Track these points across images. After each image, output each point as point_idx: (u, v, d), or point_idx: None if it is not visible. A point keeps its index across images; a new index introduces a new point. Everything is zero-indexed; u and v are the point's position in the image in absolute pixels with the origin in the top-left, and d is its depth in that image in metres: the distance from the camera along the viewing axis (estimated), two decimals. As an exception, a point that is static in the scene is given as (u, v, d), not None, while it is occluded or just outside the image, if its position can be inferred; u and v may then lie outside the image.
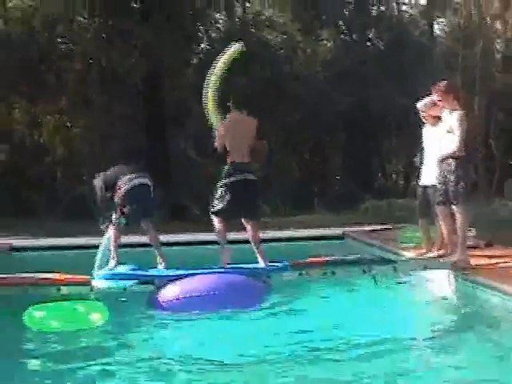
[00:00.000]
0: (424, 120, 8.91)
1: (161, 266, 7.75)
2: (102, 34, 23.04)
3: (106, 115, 22.50)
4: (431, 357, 5.17)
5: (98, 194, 7.75)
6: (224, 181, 7.56)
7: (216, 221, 7.66)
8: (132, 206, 7.58)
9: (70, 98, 23.73)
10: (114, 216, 7.66)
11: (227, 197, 7.48)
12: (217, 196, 7.58)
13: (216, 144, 7.72)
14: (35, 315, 6.13)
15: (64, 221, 18.25)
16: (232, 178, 7.52)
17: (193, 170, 24.66)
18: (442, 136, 8.11)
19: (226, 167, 7.61)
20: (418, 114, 8.95)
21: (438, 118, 8.40)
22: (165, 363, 5.00)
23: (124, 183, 7.55)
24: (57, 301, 6.48)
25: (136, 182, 7.59)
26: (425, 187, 8.83)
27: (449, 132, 7.94)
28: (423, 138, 8.96)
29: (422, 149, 9.01)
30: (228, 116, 7.76)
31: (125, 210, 7.57)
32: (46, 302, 6.35)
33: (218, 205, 7.55)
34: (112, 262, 7.65)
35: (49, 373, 4.88)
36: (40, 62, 22.33)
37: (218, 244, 7.78)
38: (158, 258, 7.83)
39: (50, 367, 5.05)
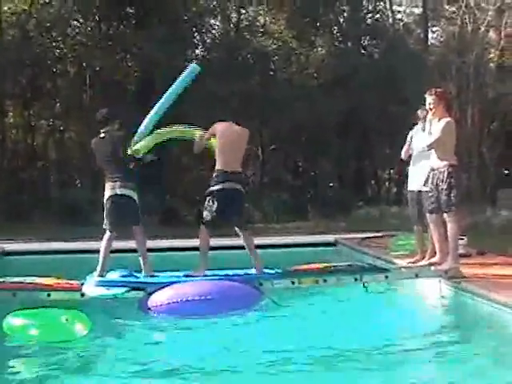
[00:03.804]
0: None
1: (144, 272, 7.57)
2: (96, 38, 23.03)
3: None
4: (419, 367, 5.17)
5: None
6: (211, 189, 7.43)
7: (202, 228, 7.51)
8: (109, 216, 7.52)
9: (64, 103, 23.77)
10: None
11: (214, 206, 7.38)
12: (205, 205, 7.46)
13: (195, 146, 7.77)
14: (13, 322, 6.00)
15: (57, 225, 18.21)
16: (218, 186, 7.37)
17: (186, 175, 24.66)
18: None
19: (214, 175, 7.47)
20: (411, 121, 8.97)
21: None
22: (151, 369, 5.04)
23: (106, 189, 7.53)
24: (41, 307, 6.34)
25: (117, 191, 7.48)
26: (417, 192, 8.80)
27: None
28: (412, 143, 8.96)
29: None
30: (218, 124, 7.59)
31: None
32: (29, 308, 6.22)
33: (206, 215, 7.46)
34: (99, 268, 7.44)
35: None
36: (34, 65, 22.32)
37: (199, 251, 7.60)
38: (142, 264, 7.61)
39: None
